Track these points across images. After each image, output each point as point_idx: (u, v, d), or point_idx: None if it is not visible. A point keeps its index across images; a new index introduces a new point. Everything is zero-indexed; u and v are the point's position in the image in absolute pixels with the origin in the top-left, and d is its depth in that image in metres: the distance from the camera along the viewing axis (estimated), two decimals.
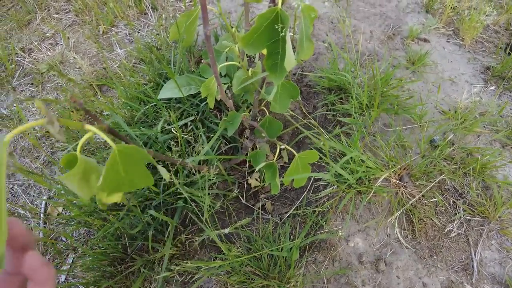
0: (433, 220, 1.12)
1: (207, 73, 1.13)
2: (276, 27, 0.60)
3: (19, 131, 0.33)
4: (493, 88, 1.44)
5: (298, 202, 1.15)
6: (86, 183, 0.44)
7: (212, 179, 0.91)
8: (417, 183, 1.16)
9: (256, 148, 1.11)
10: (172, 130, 1.01)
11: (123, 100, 1.16)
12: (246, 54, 1.08)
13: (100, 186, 0.43)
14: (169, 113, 1.04)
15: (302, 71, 1.44)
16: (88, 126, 0.41)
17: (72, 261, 1.09)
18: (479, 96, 1.41)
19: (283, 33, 0.60)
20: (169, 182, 0.99)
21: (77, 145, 0.43)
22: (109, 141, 0.42)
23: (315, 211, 1.11)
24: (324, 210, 1.11)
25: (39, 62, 1.55)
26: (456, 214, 1.14)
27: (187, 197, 0.92)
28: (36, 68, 1.53)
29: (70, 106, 1.31)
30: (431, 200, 1.14)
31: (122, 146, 0.42)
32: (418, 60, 1.46)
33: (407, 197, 1.13)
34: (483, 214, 1.13)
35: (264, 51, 0.66)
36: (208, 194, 0.96)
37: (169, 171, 1.02)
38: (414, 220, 1.10)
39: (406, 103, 1.31)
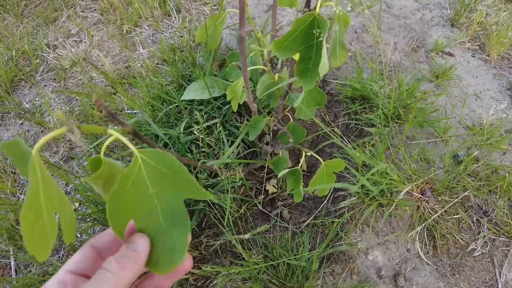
0: (455, 237, 1.08)
1: (232, 76, 1.13)
2: (314, 32, 0.58)
3: (45, 140, 0.32)
4: None
5: (317, 211, 1.13)
6: (111, 187, 0.43)
7: (238, 182, 0.89)
8: (440, 198, 1.12)
9: (275, 153, 1.09)
10: (195, 132, 1.00)
11: (147, 99, 1.16)
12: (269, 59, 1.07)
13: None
14: (194, 114, 1.04)
15: (324, 79, 1.43)
16: (111, 131, 0.37)
17: None
18: (505, 113, 1.37)
19: (321, 38, 0.59)
20: None
21: (98, 144, 0.40)
22: (133, 149, 0.35)
23: (334, 221, 1.08)
24: (343, 221, 1.09)
25: (63, 58, 1.57)
26: (480, 232, 1.10)
27: (208, 200, 0.91)
28: (60, 64, 1.55)
29: (93, 104, 1.32)
30: (454, 216, 1.11)
31: (147, 151, 0.34)
32: (442, 74, 1.43)
33: (429, 212, 1.10)
34: (508, 234, 1.09)
35: (295, 56, 0.65)
36: (231, 198, 0.95)
37: (190, 172, 1.01)
38: (436, 236, 1.07)
39: (430, 116, 1.29)
